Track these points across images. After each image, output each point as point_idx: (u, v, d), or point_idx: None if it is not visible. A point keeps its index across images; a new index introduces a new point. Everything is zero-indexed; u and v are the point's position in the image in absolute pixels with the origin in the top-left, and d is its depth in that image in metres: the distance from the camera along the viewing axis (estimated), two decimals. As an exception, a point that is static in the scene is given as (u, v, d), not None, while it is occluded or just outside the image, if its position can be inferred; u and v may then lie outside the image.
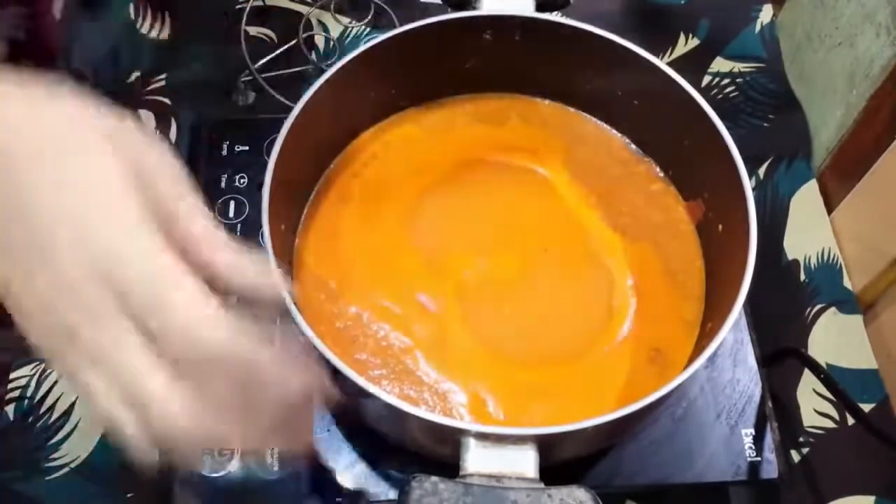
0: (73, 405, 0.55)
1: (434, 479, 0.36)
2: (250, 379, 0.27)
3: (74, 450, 0.54)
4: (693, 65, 0.73)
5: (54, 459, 0.54)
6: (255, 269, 0.30)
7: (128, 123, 0.30)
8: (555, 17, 0.52)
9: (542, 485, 0.38)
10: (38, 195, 0.27)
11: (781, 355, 0.55)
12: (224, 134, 0.61)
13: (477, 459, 0.38)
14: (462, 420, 0.45)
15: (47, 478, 0.53)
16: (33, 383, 0.56)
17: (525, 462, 0.38)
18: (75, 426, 0.55)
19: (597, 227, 0.53)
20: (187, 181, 0.31)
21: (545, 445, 0.39)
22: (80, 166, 0.27)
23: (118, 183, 0.27)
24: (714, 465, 0.50)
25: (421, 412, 0.39)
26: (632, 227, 0.53)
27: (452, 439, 0.38)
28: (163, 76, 0.69)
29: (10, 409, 0.55)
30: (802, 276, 0.64)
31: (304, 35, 0.70)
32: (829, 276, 0.64)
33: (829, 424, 0.58)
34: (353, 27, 0.73)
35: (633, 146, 0.56)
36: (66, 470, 0.53)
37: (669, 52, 0.73)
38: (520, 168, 0.55)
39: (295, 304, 0.39)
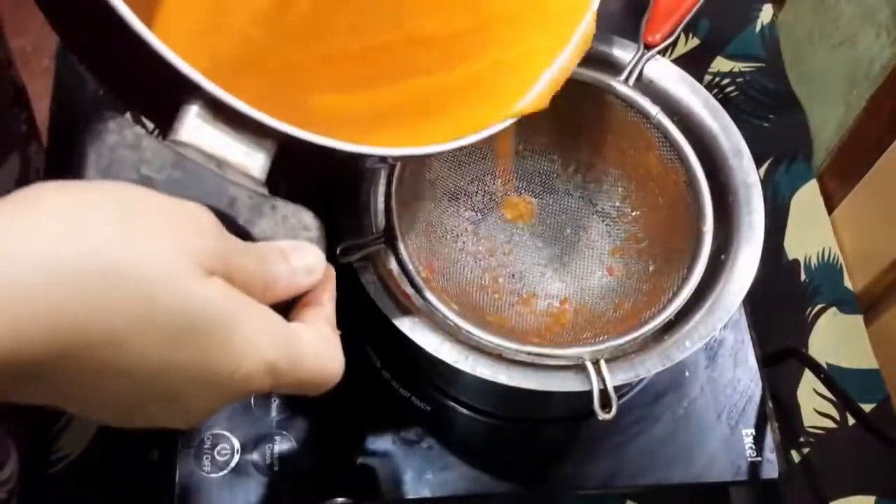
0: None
1: (139, 130, 0.28)
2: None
3: (67, 446, 0.54)
4: (693, 64, 0.73)
5: (50, 455, 0.54)
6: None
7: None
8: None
9: (265, 189, 0.31)
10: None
11: (782, 355, 0.55)
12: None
13: (197, 130, 0.30)
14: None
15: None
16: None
17: (254, 159, 0.31)
18: (67, 422, 0.54)
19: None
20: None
21: (288, 152, 0.32)
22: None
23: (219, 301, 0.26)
24: (714, 465, 0.50)
25: (154, 42, 0.27)
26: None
27: (176, 94, 0.30)
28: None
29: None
30: (803, 276, 0.64)
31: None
32: (829, 276, 0.64)
33: (830, 424, 0.58)
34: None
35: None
36: (59, 466, 0.53)
37: (670, 51, 0.73)
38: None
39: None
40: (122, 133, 0.28)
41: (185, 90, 0.29)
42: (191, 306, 0.24)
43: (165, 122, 0.31)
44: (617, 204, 0.53)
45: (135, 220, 0.24)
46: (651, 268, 0.49)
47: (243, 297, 0.27)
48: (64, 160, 0.64)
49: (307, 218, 0.32)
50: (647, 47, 0.51)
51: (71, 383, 0.24)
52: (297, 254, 0.30)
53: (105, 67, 0.34)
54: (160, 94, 0.30)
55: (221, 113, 0.30)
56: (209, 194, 0.29)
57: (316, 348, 0.29)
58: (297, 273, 0.30)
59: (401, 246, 0.44)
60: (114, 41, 0.28)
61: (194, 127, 0.30)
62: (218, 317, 0.25)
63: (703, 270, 0.44)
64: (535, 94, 0.40)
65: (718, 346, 0.54)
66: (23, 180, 0.55)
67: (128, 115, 0.29)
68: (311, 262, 0.31)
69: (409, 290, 0.44)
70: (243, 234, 0.30)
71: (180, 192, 0.28)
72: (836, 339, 0.62)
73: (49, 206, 0.24)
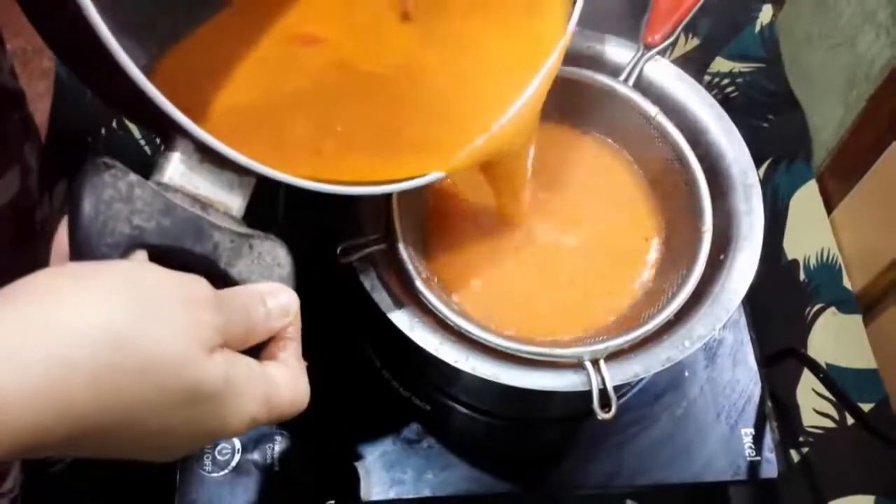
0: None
1: (133, 178, 0.29)
2: None
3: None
4: (693, 65, 0.73)
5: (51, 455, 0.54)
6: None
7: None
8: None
9: (245, 227, 0.34)
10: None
11: (781, 355, 0.55)
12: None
13: (185, 173, 0.32)
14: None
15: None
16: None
17: (235, 199, 0.33)
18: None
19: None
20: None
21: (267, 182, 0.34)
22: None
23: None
24: (714, 464, 0.50)
25: (148, 87, 0.28)
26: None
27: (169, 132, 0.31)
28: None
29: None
30: (802, 276, 0.64)
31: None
32: (828, 275, 0.64)
33: (829, 424, 0.58)
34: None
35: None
36: (61, 466, 0.53)
37: (669, 52, 0.73)
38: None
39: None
40: (117, 186, 0.29)
41: (175, 130, 0.30)
42: (195, 386, 0.27)
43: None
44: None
45: (147, 308, 0.26)
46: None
47: (234, 362, 0.29)
48: (61, 161, 0.64)
49: (281, 254, 0.34)
50: (647, 47, 0.51)
51: (80, 450, 0.26)
52: (273, 298, 0.33)
53: (103, 91, 0.35)
54: (153, 122, 0.31)
55: (208, 154, 0.32)
56: (194, 240, 0.31)
57: (287, 387, 0.32)
58: (273, 317, 0.32)
59: (401, 246, 0.44)
60: (114, 80, 0.29)
61: (182, 170, 0.32)
62: (215, 392, 0.28)
63: (702, 270, 0.44)
64: (461, 156, 0.40)
65: (718, 346, 0.54)
66: (23, 187, 0.55)
67: (119, 163, 0.30)
68: (285, 303, 0.33)
69: (409, 291, 0.44)
70: (222, 276, 0.32)
71: (168, 240, 0.30)
72: (835, 338, 0.62)
73: (63, 297, 0.25)
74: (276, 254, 0.34)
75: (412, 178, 0.39)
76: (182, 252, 0.31)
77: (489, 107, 0.42)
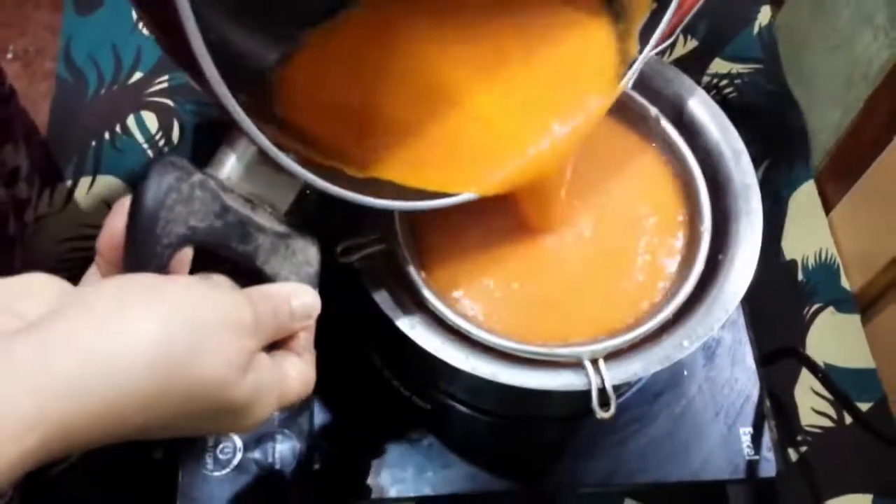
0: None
1: (196, 179, 0.31)
2: None
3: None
4: (692, 66, 0.73)
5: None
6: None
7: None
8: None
9: (285, 226, 0.35)
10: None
11: (779, 354, 0.56)
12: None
13: (243, 176, 0.33)
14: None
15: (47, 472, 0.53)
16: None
17: (284, 200, 0.35)
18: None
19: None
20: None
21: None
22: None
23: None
24: (712, 463, 0.50)
25: (232, 105, 0.30)
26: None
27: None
28: (165, 77, 0.69)
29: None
30: (800, 276, 0.64)
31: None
32: (826, 275, 0.65)
33: (827, 423, 0.59)
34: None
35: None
36: (64, 465, 0.54)
37: (668, 53, 0.73)
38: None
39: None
40: (181, 189, 0.30)
41: (243, 135, 0.31)
42: (229, 404, 0.30)
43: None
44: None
45: (201, 338, 0.28)
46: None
47: (261, 373, 0.31)
48: (62, 161, 0.64)
49: (311, 254, 0.36)
50: (646, 48, 0.51)
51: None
52: (297, 298, 0.35)
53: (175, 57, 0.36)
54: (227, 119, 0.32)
55: (267, 158, 0.32)
56: (239, 241, 0.33)
57: (298, 380, 0.34)
58: (296, 318, 0.34)
59: (401, 245, 0.44)
60: (195, 77, 0.29)
61: (241, 171, 0.33)
62: (245, 406, 0.31)
63: (701, 270, 0.45)
64: (497, 178, 0.42)
65: (717, 346, 0.54)
66: None
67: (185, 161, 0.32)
68: (309, 305, 0.35)
69: (410, 290, 0.44)
70: (256, 272, 0.34)
71: (215, 238, 0.32)
72: (834, 338, 0.62)
73: (124, 317, 0.27)
74: (307, 253, 0.36)
75: (443, 195, 0.41)
76: (225, 249, 0.32)
77: (529, 137, 0.43)
